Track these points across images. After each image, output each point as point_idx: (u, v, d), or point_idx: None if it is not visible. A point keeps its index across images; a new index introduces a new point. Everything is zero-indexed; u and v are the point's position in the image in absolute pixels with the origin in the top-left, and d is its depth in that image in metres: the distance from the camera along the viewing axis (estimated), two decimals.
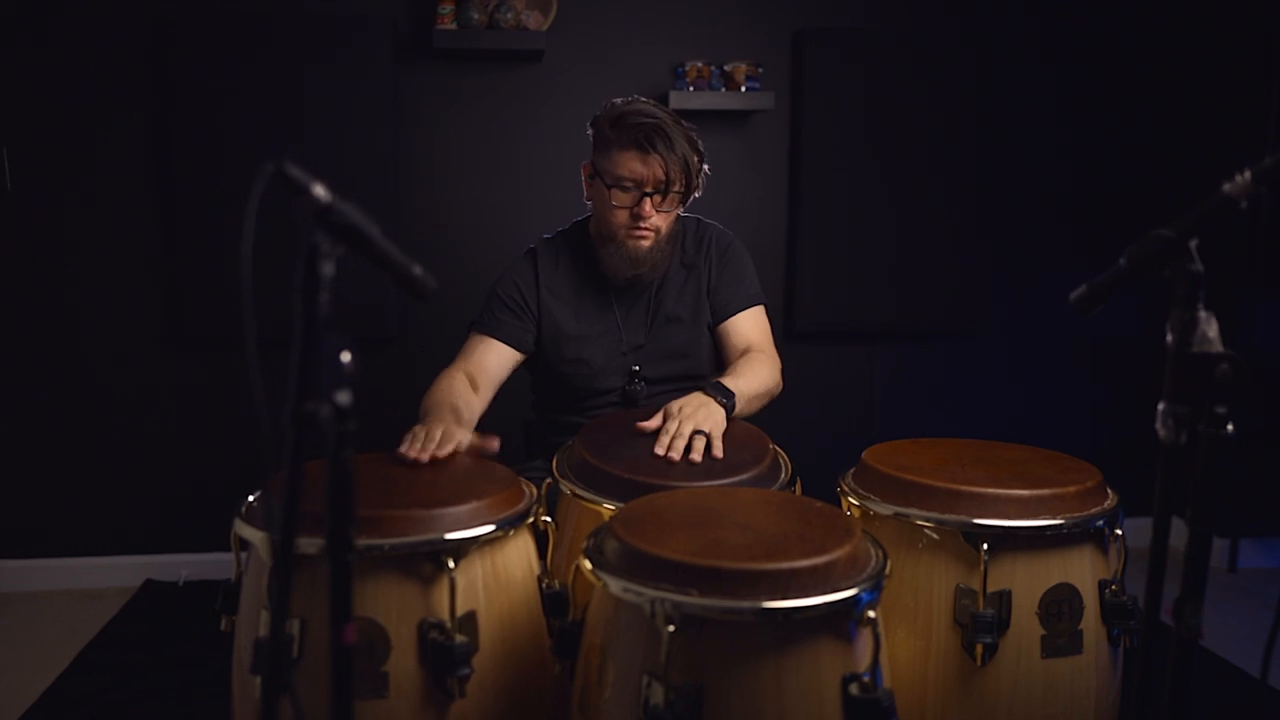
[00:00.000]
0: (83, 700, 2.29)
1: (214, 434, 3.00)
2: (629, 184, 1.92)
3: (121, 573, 3.00)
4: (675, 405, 1.79)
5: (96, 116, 2.87)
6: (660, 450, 1.70)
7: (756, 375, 1.96)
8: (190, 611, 2.79)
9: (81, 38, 2.83)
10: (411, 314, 3.04)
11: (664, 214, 1.97)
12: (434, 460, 1.62)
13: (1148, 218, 1.12)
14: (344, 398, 0.92)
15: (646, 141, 1.89)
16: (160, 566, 3.02)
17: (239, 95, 2.83)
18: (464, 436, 1.70)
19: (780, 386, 2.05)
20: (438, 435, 1.67)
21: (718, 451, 1.72)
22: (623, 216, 1.95)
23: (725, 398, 1.83)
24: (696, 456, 1.69)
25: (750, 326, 2.10)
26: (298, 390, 0.91)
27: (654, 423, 1.77)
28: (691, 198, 2.01)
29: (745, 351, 2.05)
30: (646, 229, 1.96)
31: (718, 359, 2.12)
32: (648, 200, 1.93)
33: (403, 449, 1.64)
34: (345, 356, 0.93)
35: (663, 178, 1.91)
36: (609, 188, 1.94)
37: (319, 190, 0.93)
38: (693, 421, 1.74)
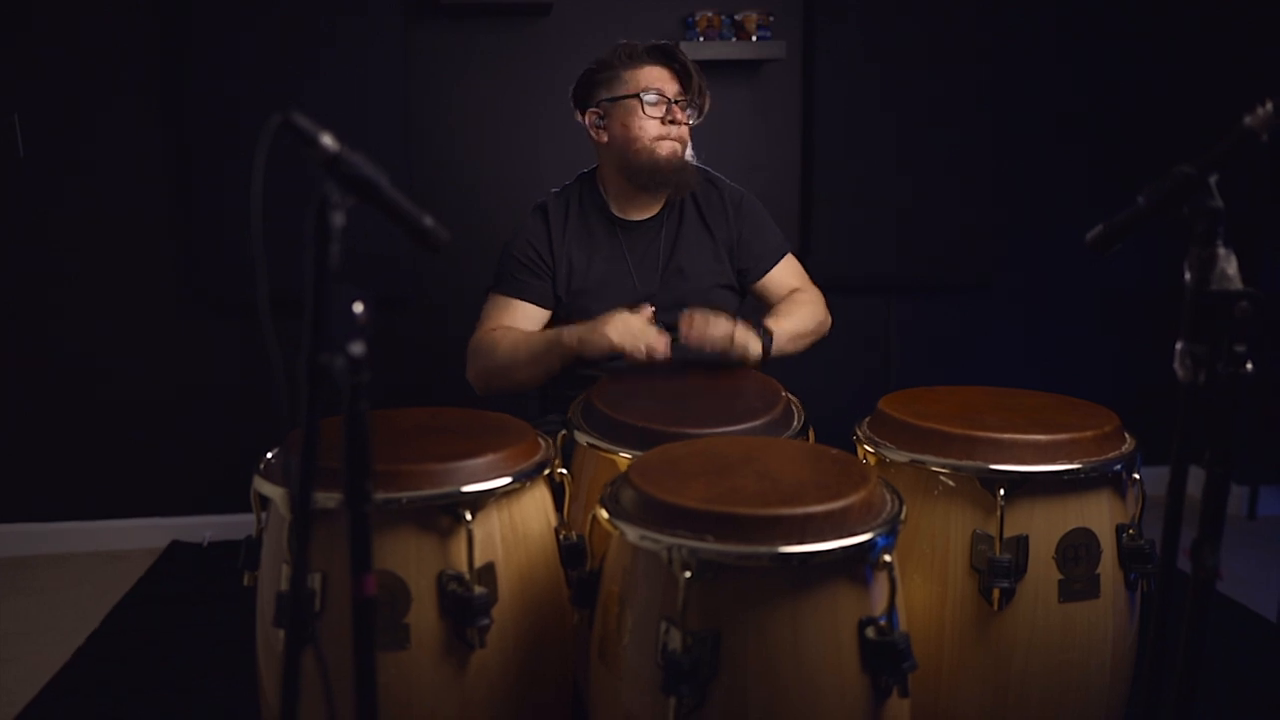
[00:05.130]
0: (113, 659, 2.34)
1: (235, 397, 3.02)
2: (657, 92, 2.01)
3: (147, 535, 3.04)
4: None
5: (107, 79, 2.86)
6: (685, 326, 1.84)
7: (799, 314, 2.06)
8: (215, 571, 2.82)
9: None
10: (428, 272, 3.03)
11: (686, 126, 2.05)
12: (453, 414, 1.66)
13: (1163, 163, 1.09)
14: (358, 348, 0.92)
15: (665, 56, 2.03)
16: (185, 528, 3.06)
17: (249, 56, 2.80)
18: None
19: (829, 320, 2.14)
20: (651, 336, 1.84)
21: (740, 336, 1.86)
22: (654, 126, 2.02)
23: (765, 336, 1.93)
24: (717, 331, 1.84)
25: (787, 274, 2.18)
26: (311, 342, 0.91)
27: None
28: (703, 114, 2.08)
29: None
30: (677, 135, 2.03)
31: (756, 313, 2.15)
32: (676, 107, 2.02)
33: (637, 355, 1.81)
34: (358, 307, 0.92)
35: (684, 88, 2.04)
36: (640, 99, 2.01)
37: (327, 140, 0.93)
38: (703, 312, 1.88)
